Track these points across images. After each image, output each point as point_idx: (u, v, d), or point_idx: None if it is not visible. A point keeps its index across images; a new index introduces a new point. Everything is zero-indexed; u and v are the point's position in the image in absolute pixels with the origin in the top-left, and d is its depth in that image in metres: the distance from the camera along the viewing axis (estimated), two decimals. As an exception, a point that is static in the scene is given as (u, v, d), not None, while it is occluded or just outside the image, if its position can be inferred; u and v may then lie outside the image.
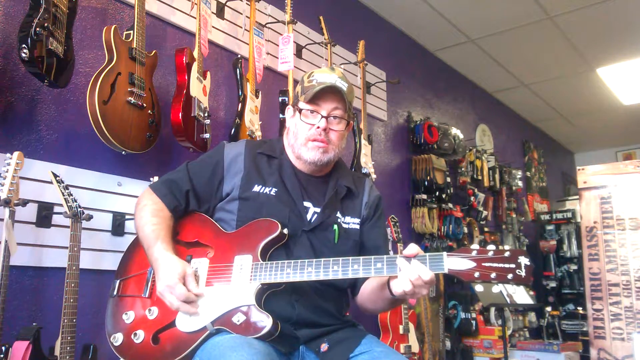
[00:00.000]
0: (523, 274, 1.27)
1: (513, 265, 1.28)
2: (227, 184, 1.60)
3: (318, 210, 1.59)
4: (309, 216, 1.58)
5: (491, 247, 1.31)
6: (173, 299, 1.39)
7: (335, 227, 1.59)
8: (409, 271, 1.30)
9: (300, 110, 1.60)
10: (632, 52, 4.95)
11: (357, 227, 1.65)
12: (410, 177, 4.38)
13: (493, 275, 1.28)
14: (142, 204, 1.57)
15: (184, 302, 1.39)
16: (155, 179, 2.23)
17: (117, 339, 1.48)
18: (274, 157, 1.65)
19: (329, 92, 1.57)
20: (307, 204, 1.59)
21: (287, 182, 1.60)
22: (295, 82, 3.08)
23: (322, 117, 1.57)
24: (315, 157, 1.58)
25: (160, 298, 1.49)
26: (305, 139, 1.58)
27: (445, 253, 1.32)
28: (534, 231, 6.31)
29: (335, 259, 1.39)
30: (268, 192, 1.57)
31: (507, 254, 1.30)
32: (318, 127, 1.57)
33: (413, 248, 1.35)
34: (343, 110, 1.60)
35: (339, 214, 1.62)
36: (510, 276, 1.28)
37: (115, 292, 1.57)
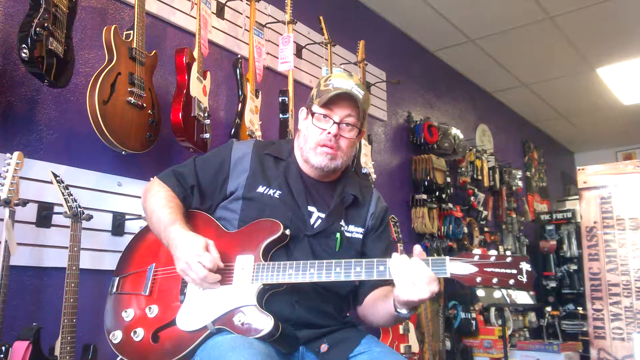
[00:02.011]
0: (524, 279, 1.28)
1: (515, 271, 1.29)
2: (231, 183, 1.59)
3: (322, 215, 1.58)
4: (312, 220, 1.57)
5: (493, 252, 1.32)
6: (199, 269, 1.36)
7: (338, 235, 1.58)
8: (410, 266, 1.30)
9: (313, 114, 1.59)
10: (632, 52, 4.95)
11: (360, 236, 1.64)
12: (410, 177, 4.38)
13: (495, 280, 1.29)
14: (155, 190, 1.56)
15: (211, 271, 1.37)
16: (156, 179, 2.23)
17: (116, 336, 1.48)
18: (281, 159, 1.64)
19: (344, 98, 1.55)
20: (311, 208, 1.58)
21: (292, 185, 1.59)
22: (296, 82, 3.08)
23: (334, 122, 1.56)
24: (323, 163, 1.57)
25: (159, 297, 1.49)
26: (315, 143, 1.57)
27: (447, 257, 1.32)
28: (534, 231, 6.31)
29: (337, 261, 1.39)
30: (272, 194, 1.56)
31: (509, 259, 1.30)
32: (329, 133, 1.56)
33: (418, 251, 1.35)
34: (356, 118, 1.59)
35: (342, 222, 1.61)
36: (511, 282, 1.28)
37: (114, 290, 1.57)
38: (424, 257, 1.34)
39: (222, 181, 1.60)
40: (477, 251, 1.33)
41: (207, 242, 1.41)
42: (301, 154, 1.62)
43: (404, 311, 1.40)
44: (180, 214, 1.51)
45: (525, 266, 1.29)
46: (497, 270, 1.29)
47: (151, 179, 1.68)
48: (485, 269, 1.29)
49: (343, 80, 1.58)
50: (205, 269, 1.37)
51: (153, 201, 1.54)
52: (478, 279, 1.29)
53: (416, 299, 1.30)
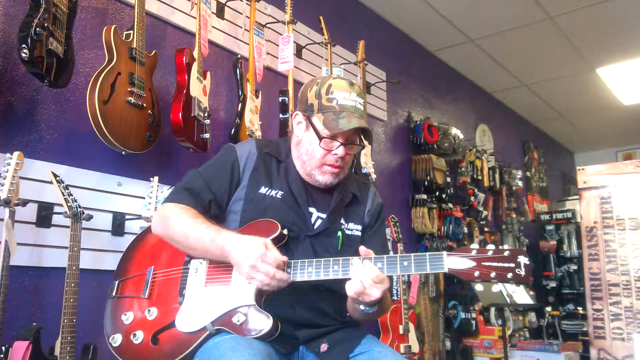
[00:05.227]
0: (523, 273, 1.28)
1: (512, 265, 1.29)
2: (243, 183, 1.57)
3: (322, 215, 1.58)
4: (312, 220, 1.57)
5: (491, 246, 1.32)
6: (269, 268, 1.32)
7: (340, 233, 1.58)
8: (361, 271, 1.33)
9: (320, 137, 1.53)
10: (632, 52, 4.95)
11: (359, 234, 1.64)
12: (410, 177, 4.38)
13: (493, 274, 1.29)
14: (176, 214, 1.45)
15: (278, 269, 1.34)
16: (156, 179, 2.23)
17: (116, 339, 1.47)
18: (280, 159, 1.63)
19: (349, 117, 1.51)
20: (311, 209, 1.58)
21: (293, 186, 1.58)
22: (296, 82, 3.08)
23: (341, 144, 1.53)
24: (328, 181, 1.57)
25: (158, 299, 1.49)
26: (320, 163, 1.55)
27: (445, 252, 1.32)
28: (534, 231, 6.31)
29: (335, 259, 1.39)
30: (274, 195, 1.55)
31: (506, 253, 1.30)
32: (335, 154, 1.54)
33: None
34: (360, 133, 1.58)
35: (342, 221, 1.61)
36: (510, 275, 1.28)
37: (113, 293, 1.57)
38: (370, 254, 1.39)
39: (236, 185, 1.57)
40: (474, 246, 1.33)
41: (264, 241, 1.37)
42: (302, 167, 1.59)
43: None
44: (216, 225, 1.45)
45: (523, 259, 1.29)
46: (495, 264, 1.29)
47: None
48: (483, 264, 1.29)
49: (345, 93, 1.52)
50: (274, 268, 1.33)
51: (182, 225, 1.43)
52: (476, 273, 1.29)
53: (370, 299, 1.35)
